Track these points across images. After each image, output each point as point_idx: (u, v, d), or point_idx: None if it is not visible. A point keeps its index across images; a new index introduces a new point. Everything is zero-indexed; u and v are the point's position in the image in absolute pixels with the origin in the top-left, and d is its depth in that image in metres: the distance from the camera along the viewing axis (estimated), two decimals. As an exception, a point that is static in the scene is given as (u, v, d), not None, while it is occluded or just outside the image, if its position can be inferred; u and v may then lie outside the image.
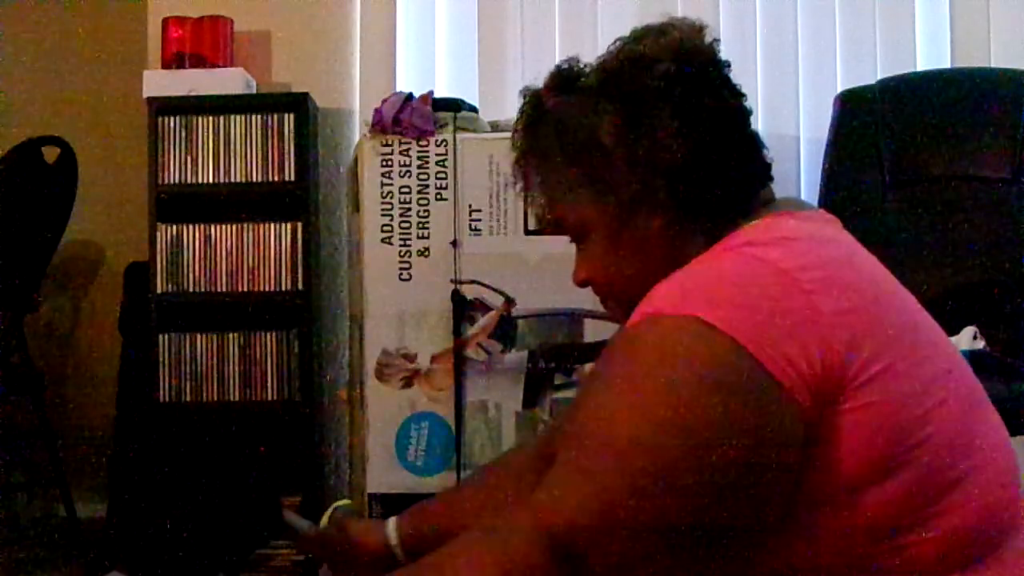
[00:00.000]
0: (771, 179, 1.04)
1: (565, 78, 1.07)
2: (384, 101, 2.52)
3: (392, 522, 1.27)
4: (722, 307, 0.86)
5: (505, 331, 2.44)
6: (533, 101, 1.08)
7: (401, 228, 2.45)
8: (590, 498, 0.84)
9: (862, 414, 0.86)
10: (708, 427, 0.83)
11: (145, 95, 2.91)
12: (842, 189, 2.51)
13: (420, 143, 2.45)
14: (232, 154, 2.88)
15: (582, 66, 1.06)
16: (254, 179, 2.88)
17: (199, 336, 2.87)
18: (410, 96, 2.51)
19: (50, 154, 3.20)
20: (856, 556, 0.87)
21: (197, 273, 2.87)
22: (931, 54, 2.99)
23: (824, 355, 0.85)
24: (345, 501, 1.37)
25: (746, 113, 1.03)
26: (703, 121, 0.99)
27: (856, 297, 0.90)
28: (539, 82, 1.09)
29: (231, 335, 2.87)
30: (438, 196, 2.45)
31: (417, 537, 1.23)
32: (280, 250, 2.87)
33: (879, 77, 2.79)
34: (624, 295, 1.03)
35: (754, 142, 1.03)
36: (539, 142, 1.06)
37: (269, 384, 2.86)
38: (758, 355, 0.84)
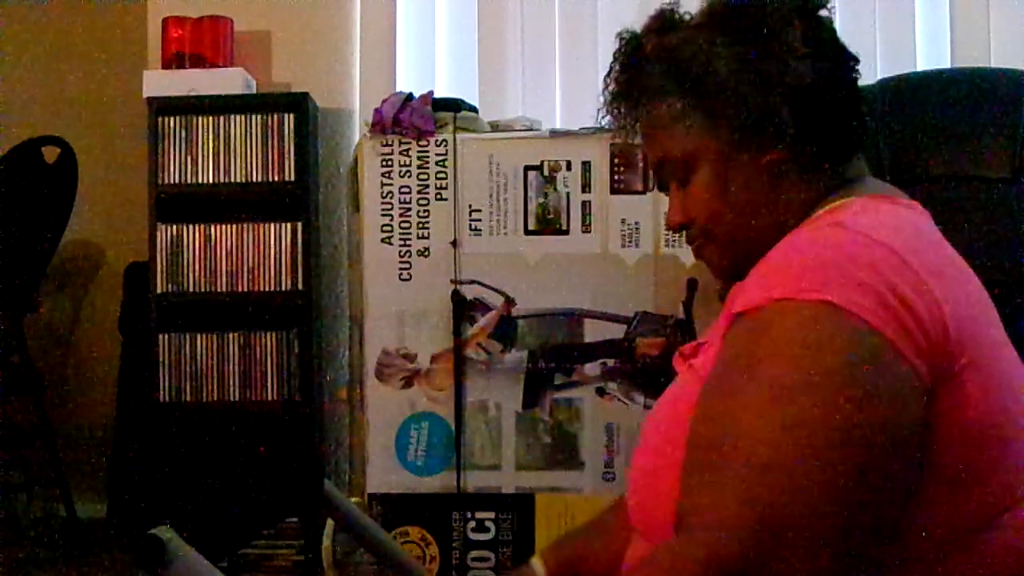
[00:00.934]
0: (864, 147, 1.05)
1: (668, 20, 1.06)
2: (384, 101, 2.52)
3: (536, 564, 1.25)
4: (850, 290, 0.84)
5: (505, 331, 2.44)
6: (632, 43, 1.07)
7: (401, 228, 2.45)
8: (754, 511, 0.80)
9: (956, 411, 0.85)
10: (862, 421, 0.81)
11: (145, 95, 2.91)
12: (842, 189, 2.50)
13: (420, 143, 2.45)
14: (232, 154, 2.88)
15: (683, 12, 1.07)
16: (254, 179, 2.88)
17: (199, 336, 2.87)
18: (410, 96, 2.51)
19: (50, 154, 3.21)
20: (923, 553, 0.86)
21: (197, 273, 2.87)
22: (931, 54, 2.99)
23: (939, 341, 0.85)
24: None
25: (858, 60, 1.04)
26: (828, 52, 1.00)
27: (960, 293, 0.90)
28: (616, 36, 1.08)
29: (231, 335, 2.87)
30: (438, 196, 2.45)
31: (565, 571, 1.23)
32: (280, 250, 2.87)
33: (879, 77, 2.79)
34: (724, 235, 1.03)
35: (862, 97, 1.04)
36: (645, 80, 1.04)
37: (269, 384, 2.86)
38: (893, 338, 0.83)
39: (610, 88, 1.08)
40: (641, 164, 2.43)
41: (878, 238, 0.89)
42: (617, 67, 1.08)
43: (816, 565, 0.80)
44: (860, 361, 0.83)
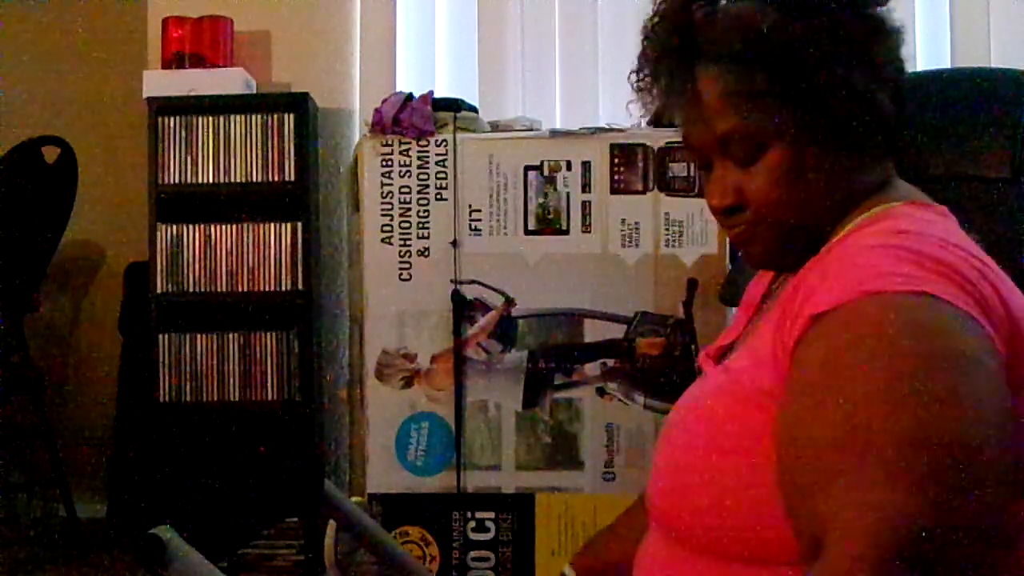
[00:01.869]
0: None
1: None
2: (384, 101, 2.52)
3: (568, 570, 1.23)
4: (944, 283, 0.83)
5: (505, 331, 2.44)
6: (683, 3, 0.98)
7: (401, 228, 2.45)
8: (919, 497, 0.76)
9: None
10: (988, 405, 0.80)
11: (145, 95, 2.92)
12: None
13: (420, 143, 2.45)
14: (232, 154, 2.88)
15: None
16: (254, 179, 2.88)
17: (199, 336, 2.87)
18: (410, 96, 2.51)
19: (50, 154, 3.21)
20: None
21: (197, 273, 2.87)
22: (931, 54, 2.98)
23: (1010, 344, 0.84)
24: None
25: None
26: (896, 43, 0.97)
27: (1011, 296, 0.88)
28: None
29: (231, 335, 2.87)
30: (438, 196, 2.45)
31: (596, 572, 1.22)
32: (280, 250, 2.87)
33: (879, 77, 2.79)
34: (779, 224, 0.98)
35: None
36: (710, 44, 0.96)
37: (269, 384, 2.87)
38: (990, 331, 0.82)
39: (655, 49, 1.00)
40: (641, 164, 2.43)
41: (949, 240, 0.88)
42: (666, 25, 0.99)
43: (976, 552, 0.77)
44: (977, 344, 0.81)
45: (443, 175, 2.45)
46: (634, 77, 1.02)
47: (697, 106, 0.98)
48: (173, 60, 3.01)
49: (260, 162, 2.88)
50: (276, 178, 2.88)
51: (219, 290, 2.87)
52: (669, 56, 0.99)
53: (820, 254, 0.95)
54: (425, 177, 2.45)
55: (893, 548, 0.75)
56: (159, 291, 2.88)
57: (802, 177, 0.96)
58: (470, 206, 2.45)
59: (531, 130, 2.52)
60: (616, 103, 3.04)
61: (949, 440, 0.78)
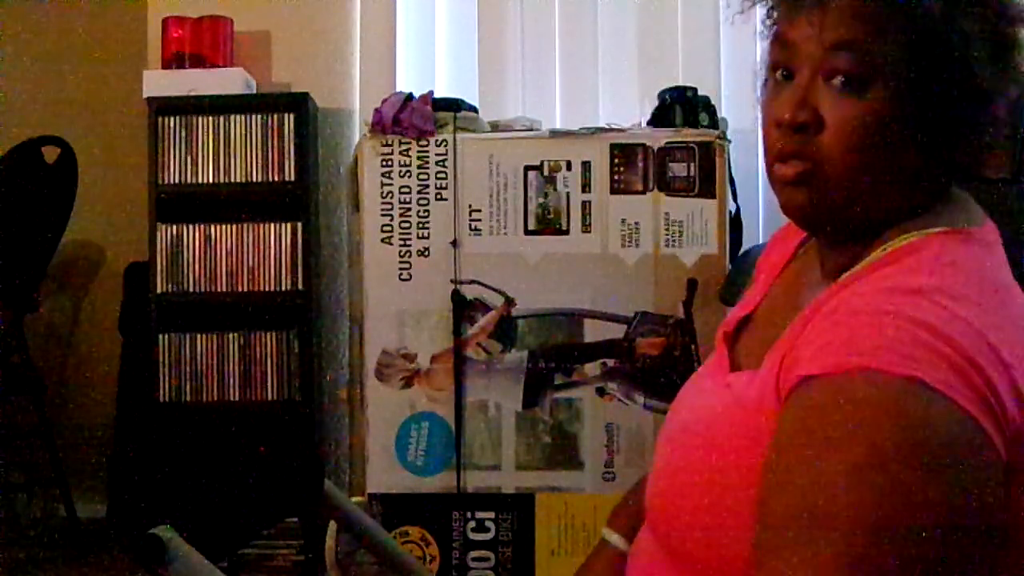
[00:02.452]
0: None
1: None
2: (384, 101, 2.52)
3: (609, 534, 1.20)
4: (938, 368, 0.79)
5: (505, 331, 2.44)
6: None
7: (401, 228, 2.45)
8: None
9: (1014, 512, 0.81)
10: (956, 510, 0.77)
11: (145, 95, 2.92)
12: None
13: (420, 143, 2.45)
14: (232, 154, 2.88)
15: None
16: (254, 179, 2.88)
17: (199, 336, 2.87)
18: (410, 96, 2.51)
19: (50, 154, 3.21)
20: None
21: (197, 273, 2.87)
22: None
23: (1015, 429, 0.80)
24: None
25: None
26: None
27: None
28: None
29: (231, 335, 2.87)
30: (438, 196, 2.45)
31: (632, 527, 1.19)
32: (280, 250, 2.87)
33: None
34: (842, 172, 0.90)
35: None
36: None
37: (269, 384, 2.87)
38: (984, 424, 0.79)
39: None
40: (641, 164, 2.43)
41: (958, 312, 0.83)
42: None
43: None
44: (964, 444, 0.78)
45: (443, 175, 2.45)
46: None
47: (819, 5, 0.90)
48: (173, 60, 3.01)
49: (260, 162, 2.88)
50: (276, 178, 2.88)
51: (219, 290, 2.87)
52: None
53: (844, 280, 0.91)
54: (425, 177, 2.45)
55: None
56: (159, 291, 2.88)
57: (888, 137, 0.89)
58: (470, 206, 2.45)
59: (531, 130, 2.52)
60: (616, 103, 3.04)
61: (898, 536, 0.76)
